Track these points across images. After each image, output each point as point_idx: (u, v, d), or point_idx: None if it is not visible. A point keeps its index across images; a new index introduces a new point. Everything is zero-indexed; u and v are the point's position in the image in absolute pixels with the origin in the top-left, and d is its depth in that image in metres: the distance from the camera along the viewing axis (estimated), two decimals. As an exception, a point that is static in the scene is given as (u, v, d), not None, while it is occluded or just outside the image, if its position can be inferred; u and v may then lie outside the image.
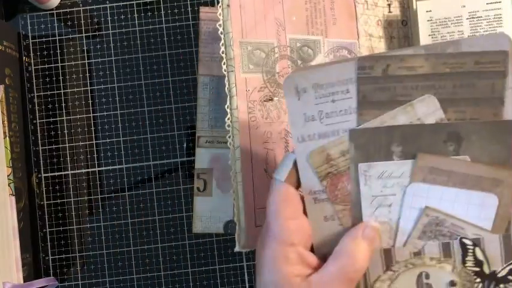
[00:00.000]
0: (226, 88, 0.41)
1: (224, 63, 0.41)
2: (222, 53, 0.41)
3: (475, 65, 0.29)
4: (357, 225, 0.30)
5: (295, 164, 0.31)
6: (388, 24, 0.47)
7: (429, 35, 0.45)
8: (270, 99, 0.42)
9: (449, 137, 0.29)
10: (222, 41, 0.41)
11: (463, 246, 0.30)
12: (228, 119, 0.41)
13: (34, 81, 0.50)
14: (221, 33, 0.41)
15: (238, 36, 0.41)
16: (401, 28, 0.47)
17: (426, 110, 0.29)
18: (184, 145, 0.50)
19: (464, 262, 0.30)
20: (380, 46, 0.47)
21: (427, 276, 0.31)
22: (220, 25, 0.41)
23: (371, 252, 0.30)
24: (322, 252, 0.31)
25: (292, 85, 0.30)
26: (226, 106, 0.41)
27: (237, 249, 0.40)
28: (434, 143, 0.29)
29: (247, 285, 0.49)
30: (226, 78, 0.41)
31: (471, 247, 0.30)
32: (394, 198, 0.30)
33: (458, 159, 0.29)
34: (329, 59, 0.44)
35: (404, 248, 0.31)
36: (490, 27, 0.44)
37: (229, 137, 0.40)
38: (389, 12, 0.47)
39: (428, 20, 0.45)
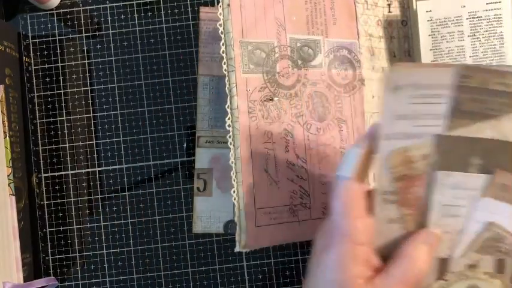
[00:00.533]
0: (226, 88, 0.41)
1: (224, 63, 0.41)
2: (223, 52, 0.41)
3: None
4: (420, 231, 0.30)
5: (360, 159, 0.30)
6: (388, 24, 0.47)
7: (429, 35, 0.45)
8: (270, 99, 0.42)
9: None
10: (223, 41, 0.41)
11: None
12: (229, 118, 0.41)
13: (34, 81, 0.50)
14: (221, 32, 0.41)
15: (239, 36, 0.41)
16: (401, 28, 0.48)
17: None
18: (184, 145, 0.50)
19: None
20: (380, 46, 0.47)
21: None
22: (220, 25, 0.41)
23: (431, 259, 0.30)
24: (382, 254, 0.31)
25: (391, 80, 0.30)
26: (226, 106, 0.41)
27: (237, 249, 0.40)
28: None
29: (247, 285, 0.49)
30: (227, 78, 0.41)
31: None
32: (462, 210, 0.30)
33: None
34: (329, 59, 0.44)
35: (461, 259, 0.31)
36: (490, 27, 0.44)
37: (230, 136, 0.40)
38: (389, 12, 0.47)
39: (428, 20, 0.45)
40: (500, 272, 0.30)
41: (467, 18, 0.44)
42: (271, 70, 0.42)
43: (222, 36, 0.41)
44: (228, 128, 0.41)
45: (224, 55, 0.41)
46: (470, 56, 0.44)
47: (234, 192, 0.40)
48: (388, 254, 0.30)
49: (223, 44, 0.41)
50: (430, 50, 0.45)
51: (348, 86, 0.44)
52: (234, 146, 0.40)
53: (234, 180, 0.40)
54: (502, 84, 0.29)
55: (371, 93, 0.45)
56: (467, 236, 0.30)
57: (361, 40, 0.45)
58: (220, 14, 0.41)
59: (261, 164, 0.41)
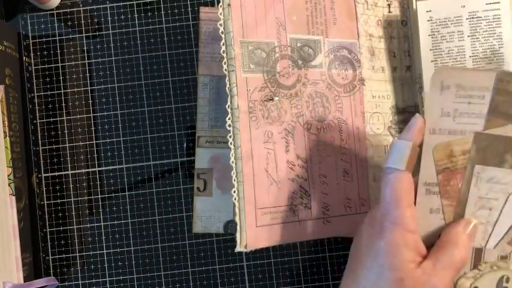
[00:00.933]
0: (227, 88, 0.41)
1: (225, 63, 0.41)
2: (223, 52, 0.41)
3: None
4: (459, 220, 0.33)
5: (409, 151, 0.33)
6: (388, 24, 0.47)
7: (429, 35, 0.45)
8: (270, 99, 0.42)
9: None
10: (223, 41, 0.41)
11: None
12: (229, 118, 0.41)
13: (34, 81, 0.50)
14: (222, 32, 0.41)
15: (239, 36, 0.41)
16: (401, 28, 0.48)
17: None
18: (184, 145, 0.50)
19: None
20: (380, 46, 0.47)
21: (507, 280, 0.33)
22: (221, 25, 0.41)
23: (470, 247, 0.33)
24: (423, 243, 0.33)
25: (439, 79, 0.33)
26: (227, 106, 0.41)
27: (237, 249, 0.40)
28: None
29: (247, 285, 0.49)
30: (227, 77, 0.41)
31: None
32: (496, 203, 0.33)
33: None
34: (329, 59, 0.44)
35: (494, 250, 0.33)
36: (489, 28, 0.44)
37: (230, 136, 0.41)
38: (389, 12, 0.48)
39: (428, 20, 0.45)
40: None
41: (467, 19, 0.44)
42: (272, 70, 0.42)
43: (223, 36, 0.41)
44: (228, 128, 0.41)
45: (224, 55, 0.41)
46: (470, 56, 0.44)
47: (234, 192, 0.40)
48: (427, 243, 0.33)
49: (223, 44, 0.41)
50: (430, 50, 0.45)
51: (348, 86, 0.44)
52: (234, 145, 0.40)
53: (235, 180, 0.40)
54: None
55: (371, 93, 0.45)
56: (500, 228, 0.33)
57: (361, 40, 0.45)
58: (220, 13, 0.41)
59: (261, 164, 0.41)
